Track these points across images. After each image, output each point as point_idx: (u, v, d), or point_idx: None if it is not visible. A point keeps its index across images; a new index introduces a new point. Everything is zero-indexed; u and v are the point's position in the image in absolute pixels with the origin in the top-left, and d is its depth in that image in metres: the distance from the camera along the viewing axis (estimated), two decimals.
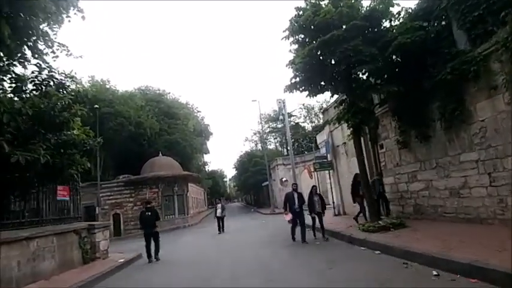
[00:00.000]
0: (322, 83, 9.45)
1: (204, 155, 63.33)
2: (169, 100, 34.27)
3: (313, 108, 52.14)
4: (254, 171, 35.05)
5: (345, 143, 12.78)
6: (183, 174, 24.22)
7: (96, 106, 22.26)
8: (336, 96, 10.96)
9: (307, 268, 5.91)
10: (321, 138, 26.09)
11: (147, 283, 6.68)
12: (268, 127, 52.58)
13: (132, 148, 26.17)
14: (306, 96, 9.68)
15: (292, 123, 51.86)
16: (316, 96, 9.98)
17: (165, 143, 28.56)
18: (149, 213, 9.41)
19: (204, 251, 9.96)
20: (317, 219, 9.02)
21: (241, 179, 38.92)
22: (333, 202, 13.84)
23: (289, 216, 9.10)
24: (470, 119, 6.69)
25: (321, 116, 51.82)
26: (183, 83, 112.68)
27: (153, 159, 24.76)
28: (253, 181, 34.97)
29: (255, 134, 56.27)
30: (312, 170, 18.70)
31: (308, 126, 51.42)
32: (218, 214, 14.92)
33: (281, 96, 16.80)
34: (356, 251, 6.87)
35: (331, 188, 14.48)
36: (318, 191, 9.73)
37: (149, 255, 9.05)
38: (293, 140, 52.75)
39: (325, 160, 14.22)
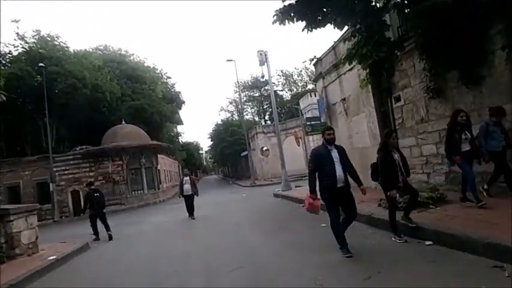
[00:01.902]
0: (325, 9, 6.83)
1: (177, 126, 59.95)
2: (133, 62, 30.07)
3: (291, 75, 49.71)
4: (231, 141, 32.57)
5: (344, 99, 10.47)
6: (151, 145, 21.28)
7: (42, 64, 18.43)
8: (337, 36, 8.42)
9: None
10: (304, 103, 23.88)
11: None
12: (245, 96, 49.69)
13: (91, 116, 22.56)
14: (303, 30, 6.98)
15: (269, 91, 49.28)
16: (315, 29, 7.23)
17: (129, 110, 25.08)
18: (97, 194, 8.83)
19: (172, 240, 7.53)
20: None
21: (218, 150, 36.36)
22: None
23: (316, 203, 4.47)
24: None
25: (299, 84, 49.90)
26: (150, 46, 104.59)
27: (115, 128, 21.49)
28: (231, 151, 32.60)
29: (230, 103, 53.29)
30: (299, 136, 16.51)
31: (286, 94, 49.09)
32: (185, 192, 10.29)
33: (262, 49, 14.25)
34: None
35: None
36: (396, 143, 5.87)
37: (96, 232, 8.64)
38: (271, 109, 50.70)
39: (318, 122, 11.95)
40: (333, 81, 11.02)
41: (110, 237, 8.34)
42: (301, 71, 49.71)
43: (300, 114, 20.36)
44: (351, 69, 9.70)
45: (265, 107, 51.24)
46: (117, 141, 20.21)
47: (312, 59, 11.89)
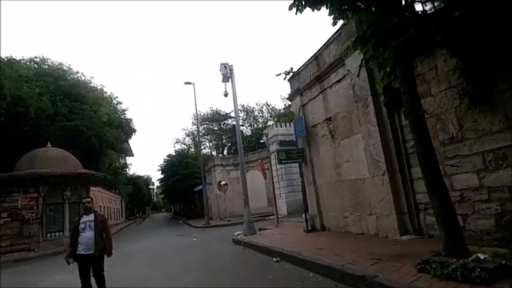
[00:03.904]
0: None
1: (127, 158, 54.53)
2: (74, 79, 26.22)
3: (253, 110, 48.60)
4: (185, 175, 28.95)
5: (328, 119, 8.32)
6: (80, 173, 17.13)
7: None
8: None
9: None
10: (270, 133, 21.76)
11: None
12: (204, 129, 47.13)
13: (6, 135, 18.06)
14: (330, 15, 4.59)
15: (229, 125, 47.41)
16: (342, 19, 4.90)
17: (60, 131, 20.84)
18: None
19: None
20: None
21: (169, 184, 32.23)
22: (305, 212, 9.19)
23: None
24: None
25: (260, 120, 48.75)
26: (102, 69, 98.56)
27: (35, 152, 17.12)
28: (184, 186, 28.82)
29: (188, 135, 50.20)
30: (266, 167, 14.00)
31: (247, 130, 47.45)
32: (83, 247, 4.46)
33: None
34: None
35: (304, 190, 9.88)
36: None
37: None
38: (230, 143, 48.41)
39: (293, 148, 9.60)
40: (315, 97, 8.94)
41: None
42: (262, 107, 49.11)
43: (266, 145, 18.04)
44: (339, 81, 7.73)
45: (224, 141, 48.92)
46: (35, 168, 15.90)
47: (288, 72, 9.86)
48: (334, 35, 7.83)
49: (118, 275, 7.23)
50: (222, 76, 12.04)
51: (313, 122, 9.13)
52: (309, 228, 8.86)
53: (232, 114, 44.13)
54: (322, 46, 8.34)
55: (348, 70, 7.19)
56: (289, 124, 21.32)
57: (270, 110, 48.14)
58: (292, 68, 9.72)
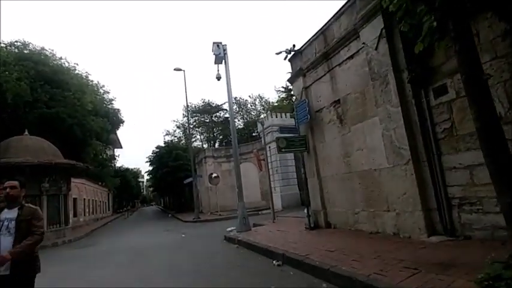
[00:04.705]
0: None
1: (115, 150, 52.87)
2: (56, 64, 24.50)
3: (245, 103, 47.36)
4: (174, 167, 27.74)
5: (337, 101, 7.30)
6: (60, 163, 15.83)
7: None
8: None
9: None
10: (265, 124, 20.68)
11: None
12: (195, 121, 45.77)
13: None
14: None
15: (221, 118, 46.15)
16: None
17: (39, 119, 19.37)
18: None
19: None
20: None
21: (158, 176, 30.96)
22: (307, 207, 8.21)
23: None
24: None
25: (253, 113, 47.47)
26: (90, 55, 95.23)
27: (10, 140, 15.78)
28: (173, 179, 27.64)
29: (178, 127, 48.73)
30: (262, 158, 12.95)
31: (239, 122, 46.25)
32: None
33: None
34: None
35: (306, 183, 8.87)
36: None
37: None
38: (221, 136, 47.21)
39: (294, 135, 8.57)
40: (320, 78, 7.89)
41: None
42: (255, 99, 47.98)
43: (261, 136, 17.00)
44: (351, 57, 6.71)
45: (215, 134, 47.70)
46: (10, 157, 14.55)
47: (290, 51, 8.78)
48: (346, 3, 6.78)
49: (88, 279, 6.16)
50: (214, 57, 10.87)
51: (317, 106, 8.10)
52: (312, 225, 7.89)
53: (225, 106, 43.02)
54: (331, 18, 7.28)
55: (364, 43, 6.16)
56: (285, 115, 20.31)
57: (264, 103, 47.08)
58: (294, 45, 8.63)
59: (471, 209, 4.53)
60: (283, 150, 8.16)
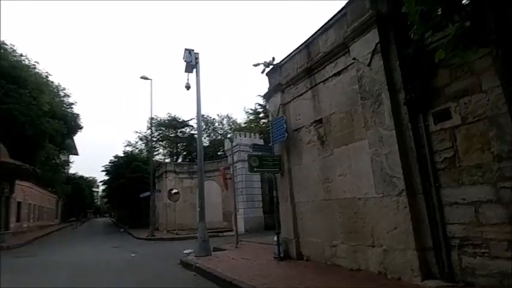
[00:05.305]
0: None
1: (70, 156, 48.93)
2: (15, 61, 22.40)
3: (213, 122, 46.22)
4: (132, 178, 25.64)
5: (318, 121, 6.66)
6: (4, 162, 13.82)
7: None
8: None
9: None
10: (235, 141, 19.73)
11: None
12: (159, 135, 43.58)
13: None
14: None
15: (186, 134, 44.45)
16: None
17: None
18: None
19: None
20: None
21: (113, 187, 28.48)
22: (277, 234, 7.26)
23: None
24: None
25: (219, 132, 46.36)
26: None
27: None
28: (130, 191, 25.47)
29: (141, 139, 46.06)
30: (229, 177, 11.93)
31: (205, 140, 44.85)
32: None
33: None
34: None
35: (278, 207, 7.99)
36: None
37: None
38: (185, 152, 45.31)
39: (268, 155, 7.75)
40: (301, 95, 7.26)
41: None
42: (223, 119, 46.97)
43: (228, 154, 16.05)
44: (338, 73, 6.15)
45: (179, 149, 45.70)
46: None
47: (268, 64, 8.13)
48: (335, 16, 6.29)
49: None
50: (185, 65, 9.98)
51: (296, 125, 7.41)
52: (282, 255, 6.98)
53: (191, 123, 41.56)
54: (318, 31, 6.75)
55: (354, 59, 5.63)
56: (254, 135, 19.67)
57: (231, 123, 46.22)
58: (274, 58, 8.00)
59: (475, 252, 3.93)
60: (255, 169, 7.28)
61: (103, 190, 58.38)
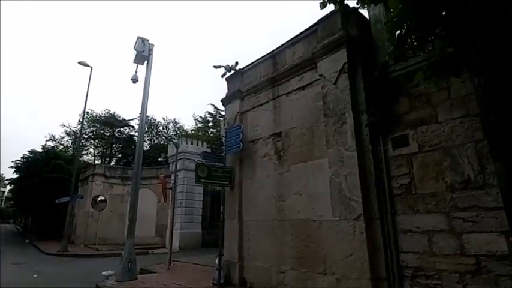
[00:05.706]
0: None
1: None
2: None
3: (157, 125, 43.78)
4: (49, 180, 22.17)
5: (277, 134, 6.35)
6: None
7: None
8: None
9: None
10: (175, 150, 18.49)
11: None
12: (92, 132, 39.37)
13: None
14: None
15: (125, 135, 41.11)
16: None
17: None
18: None
19: None
20: None
21: (23, 187, 24.33)
22: (219, 256, 6.54)
23: None
24: None
25: (163, 136, 43.98)
26: None
27: None
28: (43, 194, 21.90)
29: (68, 134, 40.99)
30: (170, 186, 10.84)
31: (146, 143, 41.96)
32: None
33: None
34: None
35: (223, 225, 7.29)
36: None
37: None
38: (120, 155, 41.61)
39: (219, 165, 7.14)
40: (261, 104, 6.93)
41: None
42: (169, 123, 44.80)
43: (170, 161, 14.95)
44: (303, 88, 5.98)
45: (114, 150, 41.79)
46: None
47: (230, 68, 7.70)
48: (305, 31, 6.19)
49: None
50: (135, 54, 9.01)
51: (252, 136, 7.00)
52: (222, 281, 6.27)
53: (132, 123, 38.61)
54: (286, 43, 6.59)
55: (321, 75, 5.51)
56: (202, 144, 18.78)
57: (177, 129, 44.22)
58: (237, 63, 7.60)
59: (427, 283, 3.84)
60: (202, 180, 6.59)
61: (9, 191, 49.72)
